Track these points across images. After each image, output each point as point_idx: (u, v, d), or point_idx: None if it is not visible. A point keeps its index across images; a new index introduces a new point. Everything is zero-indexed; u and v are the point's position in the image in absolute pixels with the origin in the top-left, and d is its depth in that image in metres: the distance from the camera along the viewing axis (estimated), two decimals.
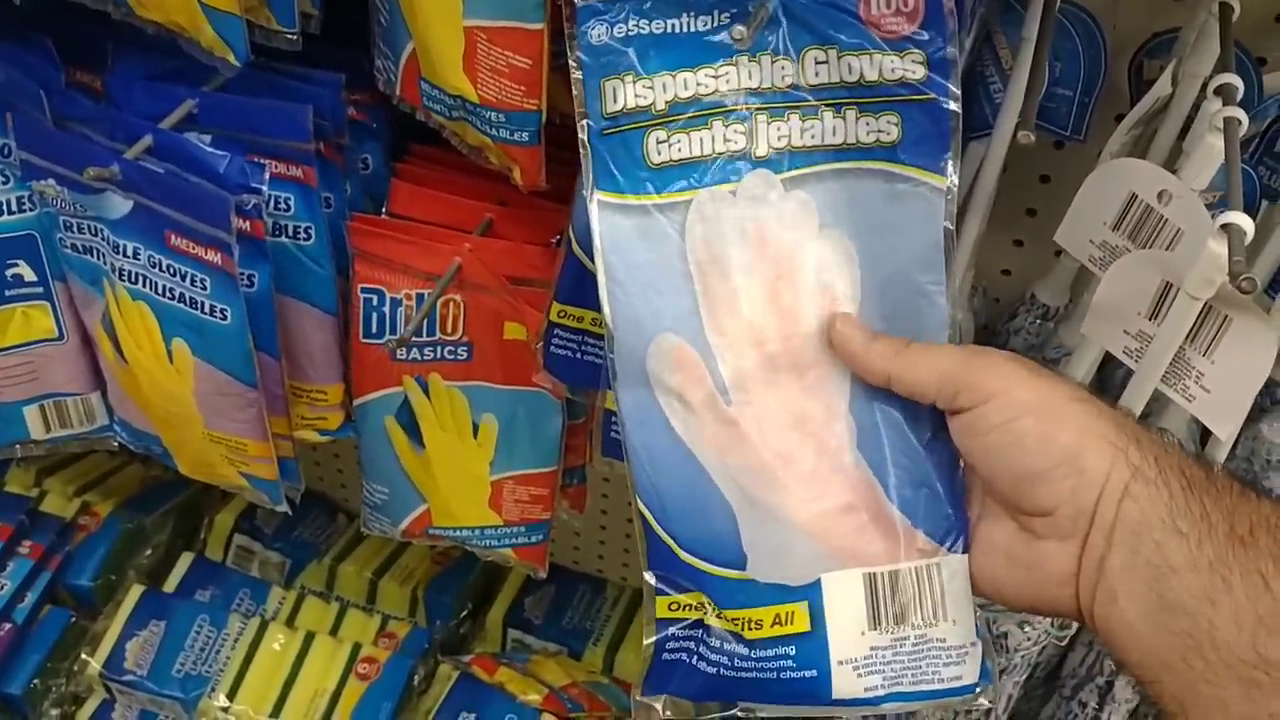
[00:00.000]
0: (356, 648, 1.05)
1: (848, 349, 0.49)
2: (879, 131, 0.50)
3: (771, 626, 0.50)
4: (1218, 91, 0.54)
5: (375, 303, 0.72)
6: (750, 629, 0.50)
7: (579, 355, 0.69)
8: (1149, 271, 0.54)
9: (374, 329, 0.73)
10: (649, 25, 0.50)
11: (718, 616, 0.51)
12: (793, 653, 0.50)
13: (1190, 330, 0.53)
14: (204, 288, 0.66)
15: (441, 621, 1.15)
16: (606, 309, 0.51)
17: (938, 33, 0.48)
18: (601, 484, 1.12)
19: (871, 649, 0.50)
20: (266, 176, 0.64)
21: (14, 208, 0.72)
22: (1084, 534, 0.44)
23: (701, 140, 0.51)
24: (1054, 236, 0.62)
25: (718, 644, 0.51)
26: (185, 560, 1.13)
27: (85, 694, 1.04)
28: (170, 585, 1.11)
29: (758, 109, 0.51)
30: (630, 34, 0.50)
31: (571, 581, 1.20)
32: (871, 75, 0.50)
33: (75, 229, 0.69)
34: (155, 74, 0.70)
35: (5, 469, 1.15)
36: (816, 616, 0.49)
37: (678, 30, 0.50)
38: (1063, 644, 0.70)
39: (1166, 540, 0.42)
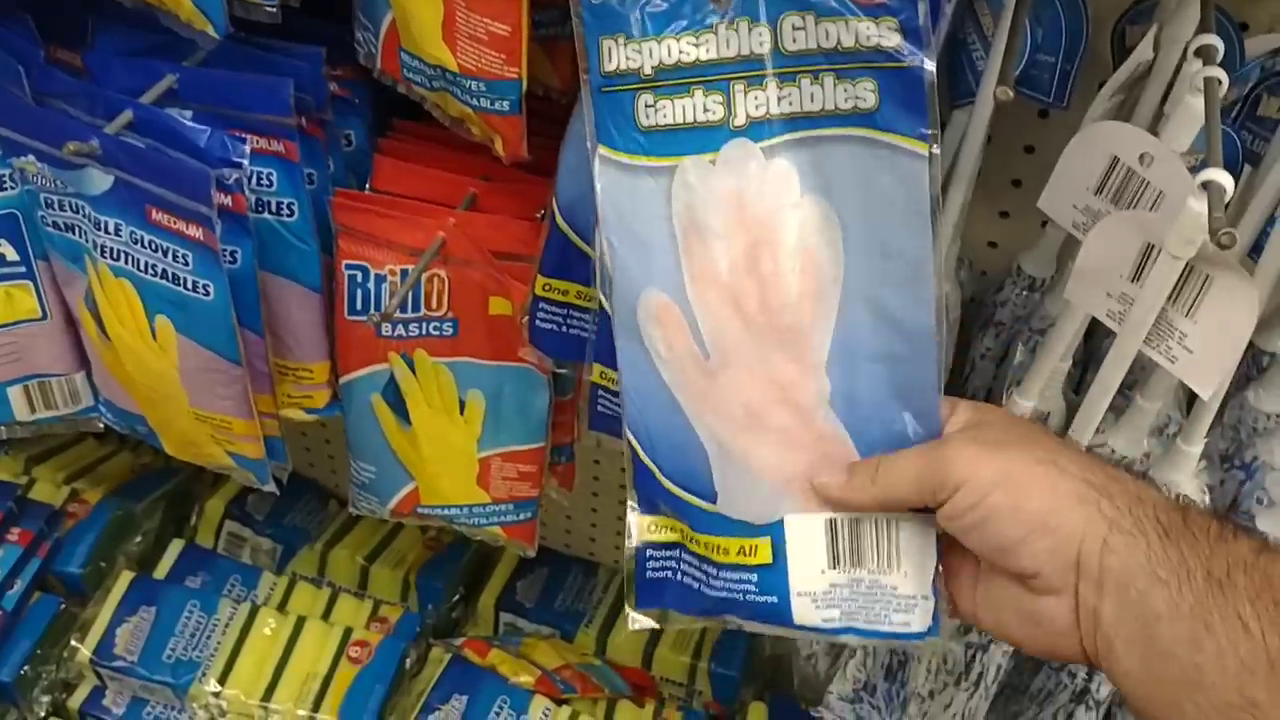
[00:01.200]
0: (348, 632, 1.05)
1: (830, 496, 0.52)
2: (856, 98, 0.50)
3: (736, 555, 0.54)
4: (1198, 53, 0.54)
5: (359, 279, 0.72)
6: (719, 554, 0.55)
7: (564, 329, 0.69)
8: (1131, 233, 0.54)
9: (359, 305, 0.73)
10: None
11: (691, 540, 0.55)
12: (755, 580, 0.54)
13: (1172, 291, 0.53)
14: (186, 263, 0.66)
15: (433, 606, 1.15)
16: (606, 258, 0.53)
17: (909, 7, 0.48)
18: (592, 466, 1.11)
19: (831, 585, 0.54)
20: (247, 150, 0.64)
21: None
22: (1073, 588, 0.46)
23: (684, 108, 0.52)
24: (1037, 203, 0.62)
25: (694, 563, 0.55)
26: (175, 547, 1.13)
27: (76, 681, 1.04)
28: (160, 572, 1.10)
29: (735, 78, 0.51)
30: None
31: (563, 565, 1.20)
32: (848, 41, 0.50)
33: (56, 206, 0.69)
34: (135, 50, 0.70)
35: None
36: (778, 551, 0.54)
37: None
38: None
39: (1149, 588, 0.43)
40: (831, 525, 0.53)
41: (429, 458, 0.79)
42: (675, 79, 0.51)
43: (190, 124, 0.64)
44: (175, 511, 1.19)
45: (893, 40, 0.49)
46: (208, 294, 0.66)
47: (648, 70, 0.51)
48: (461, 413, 0.77)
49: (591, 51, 0.51)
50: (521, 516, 0.82)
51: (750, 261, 0.52)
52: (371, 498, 0.83)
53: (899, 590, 0.53)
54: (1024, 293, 0.76)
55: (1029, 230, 0.78)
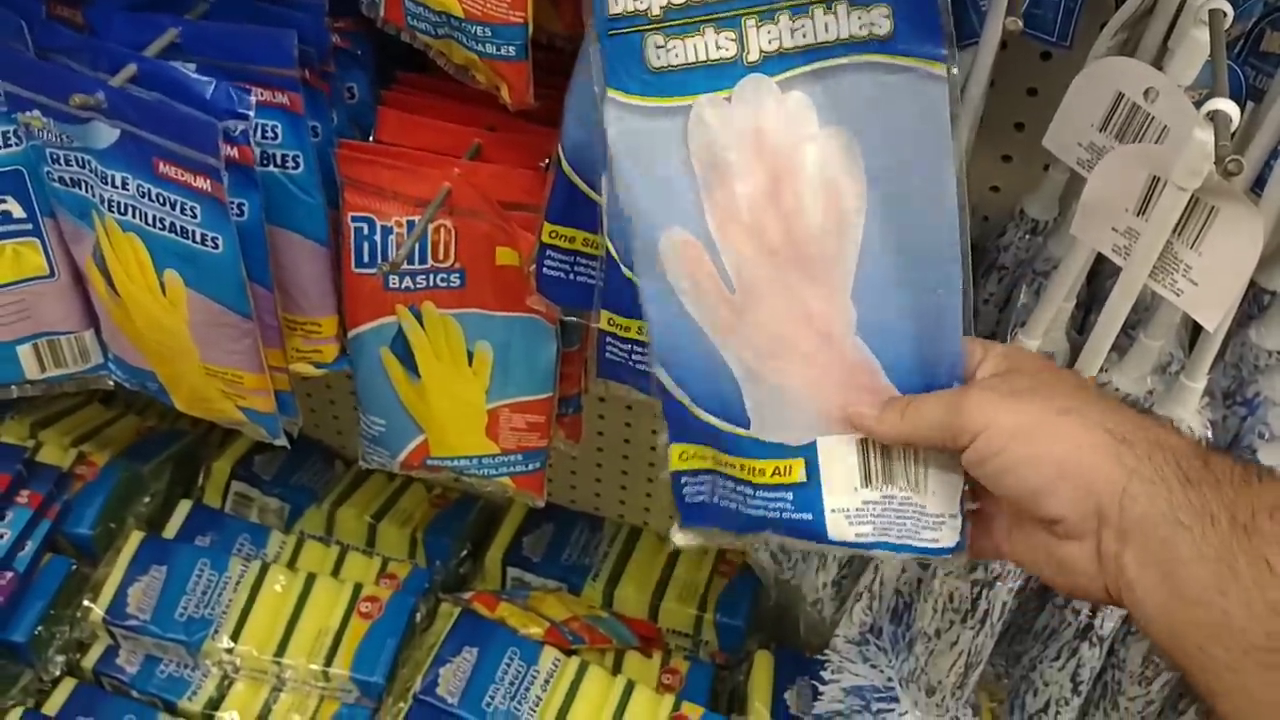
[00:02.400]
0: (358, 588, 1.05)
1: (862, 426, 0.54)
2: (871, 25, 0.51)
3: (772, 476, 0.56)
4: None
5: (366, 231, 0.72)
6: (755, 475, 0.56)
7: (571, 276, 0.69)
8: (1136, 166, 0.54)
9: (365, 258, 0.73)
10: None
11: (726, 464, 0.57)
12: (791, 499, 0.56)
13: (1178, 224, 0.53)
14: (194, 216, 0.66)
15: (441, 562, 1.16)
16: (621, 202, 0.54)
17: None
18: (598, 421, 1.12)
19: (864, 502, 0.55)
20: (253, 102, 0.64)
21: (0, 143, 0.71)
22: (1096, 534, 0.46)
23: (695, 47, 0.52)
24: (1042, 141, 0.62)
25: (731, 486, 0.57)
26: (184, 508, 1.13)
27: (89, 640, 1.05)
28: (170, 532, 1.11)
29: (747, 13, 0.52)
30: None
31: (569, 519, 1.21)
32: None
33: (62, 161, 0.69)
34: (135, 4, 0.70)
35: None
36: (812, 471, 0.55)
37: None
38: None
39: (1171, 535, 0.43)
40: (864, 446, 0.55)
41: (438, 410, 0.79)
42: (685, 18, 0.52)
43: (195, 76, 0.64)
44: (182, 473, 1.20)
45: None
46: (216, 246, 0.67)
47: (656, 10, 0.52)
48: (470, 364, 0.77)
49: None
50: (530, 467, 0.83)
51: (772, 196, 0.52)
52: (382, 451, 0.84)
53: (928, 509, 0.55)
54: (1027, 236, 0.77)
55: (1031, 174, 0.78)
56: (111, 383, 0.82)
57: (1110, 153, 0.55)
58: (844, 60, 0.51)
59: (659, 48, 0.52)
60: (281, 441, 0.80)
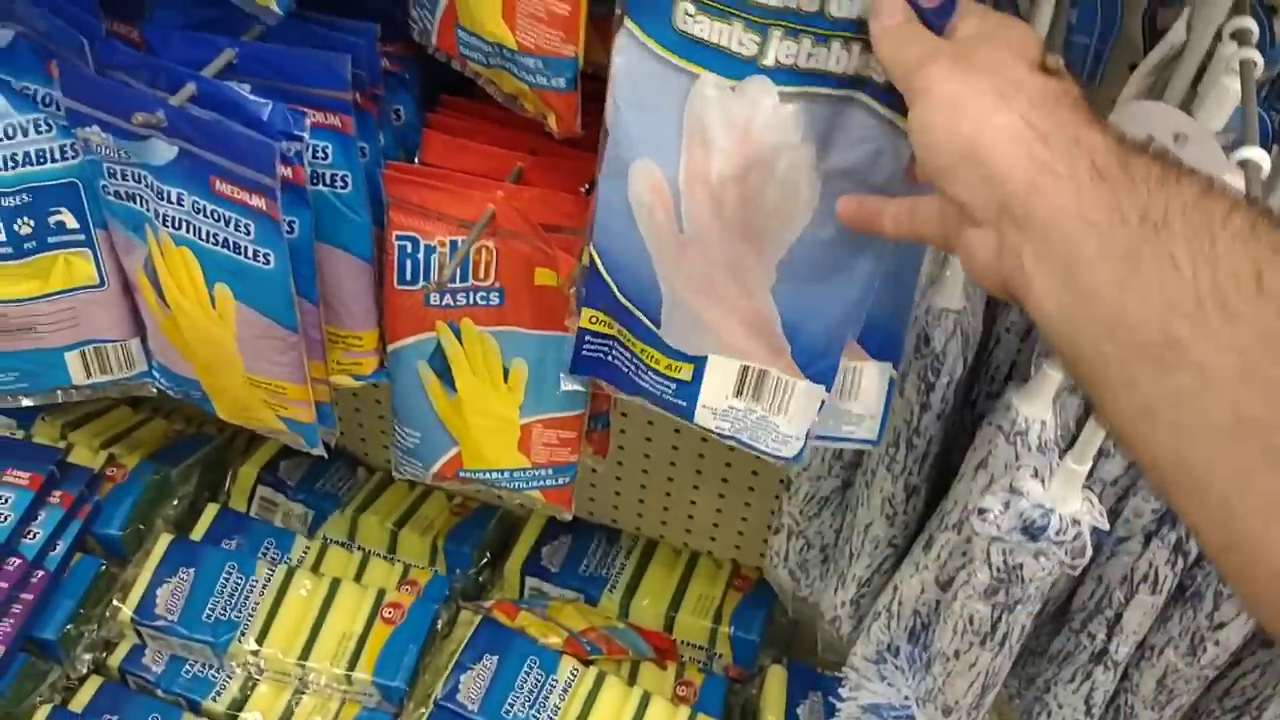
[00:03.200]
0: (381, 593, 1.07)
1: (873, 24, 0.53)
2: (874, 70, 0.56)
3: (664, 368, 0.69)
4: (1234, 35, 0.56)
5: (410, 249, 0.74)
6: (650, 360, 0.69)
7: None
8: None
9: (408, 276, 0.75)
10: None
11: (630, 341, 0.69)
12: (673, 388, 0.70)
13: None
14: (247, 233, 0.68)
15: (461, 570, 1.18)
16: (609, 116, 0.61)
17: (945, 16, 0.51)
18: (619, 435, 1.14)
19: (730, 407, 0.69)
20: (308, 124, 0.66)
21: (57, 155, 0.73)
22: (996, 224, 0.45)
23: (721, 32, 0.57)
24: None
25: (628, 356, 0.70)
26: (211, 511, 1.15)
27: (117, 639, 1.07)
28: (197, 535, 1.13)
29: (775, 24, 0.56)
30: None
31: (587, 531, 1.23)
32: None
33: (119, 176, 0.71)
34: (191, 24, 0.72)
35: (31, 420, 1.18)
36: (697, 375, 0.69)
37: None
38: (1075, 573, 0.73)
39: (1076, 231, 0.42)
40: (744, 370, 0.68)
41: (473, 424, 0.81)
42: (722, 4, 0.55)
43: (253, 98, 0.66)
44: (209, 477, 1.22)
45: None
46: (268, 263, 0.69)
47: None
48: (505, 380, 0.79)
49: None
50: (560, 480, 0.85)
51: (741, 176, 0.60)
52: (415, 462, 0.85)
53: (780, 429, 0.69)
54: None
55: None
56: (155, 390, 0.84)
57: None
58: (841, 93, 0.57)
59: (688, 15, 0.56)
60: (319, 451, 0.82)
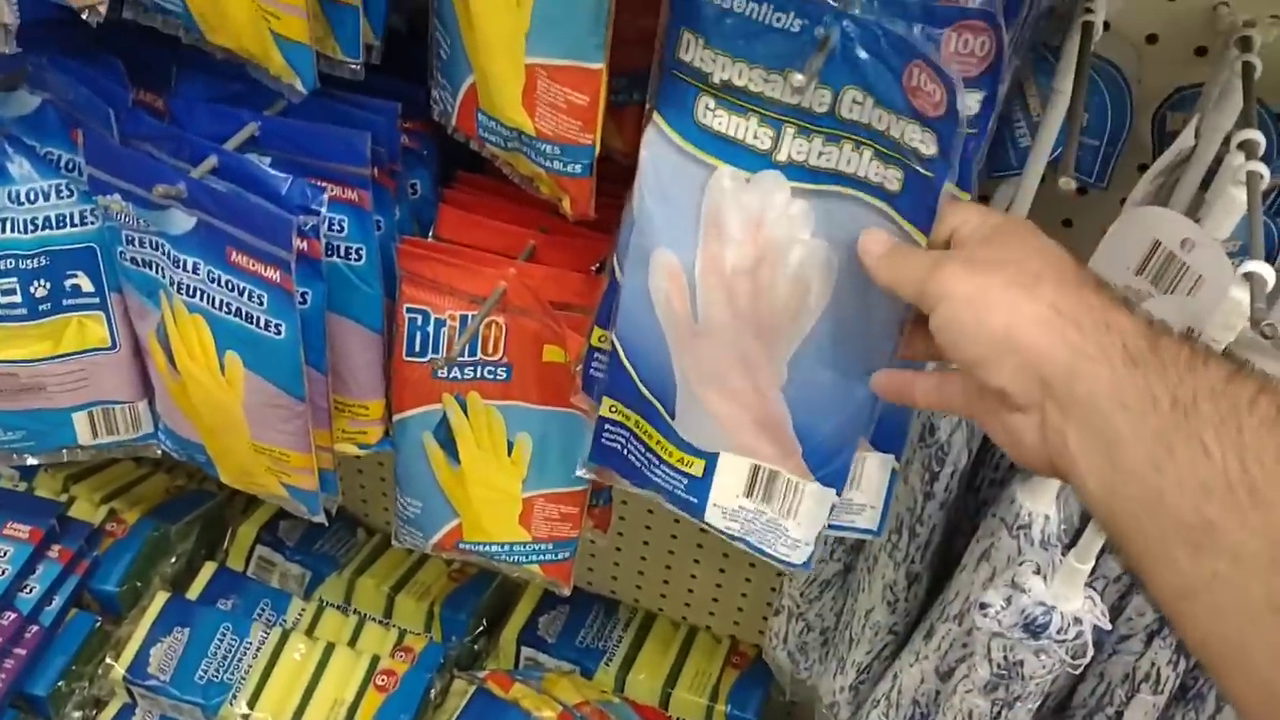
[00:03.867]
0: (375, 660, 1.07)
1: (865, 259, 0.56)
2: (885, 178, 0.56)
3: (676, 461, 0.69)
4: (1241, 146, 0.57)
5: (420, 322, 0.75)
6: (664, 452, 0.69)
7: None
8: (1173, 317, 0.56)
9: (417, 348, 0.76)
10: (734, 1, 0.55)
11: (646, 432, 0.69)
12: (685, 483, 0.69)
13: None
14: (261, 303, 0.68)
15: (456, 637, 1.17)
16: (635, 205, 0.62)
17: (949, 132, 0.53)
18: (620, 506, 1.14)
19: (740, 507, 0.69)
20: (325, 199, 0.67)
21: (76, 220, 0.75)
22: (1041, 408, 0.47)
23: (738, 126, 0.58)
24: None
25: (642, 449, 0.70)
26: (208, 569, 1.15)
27: (107, 698, 1.06)
28: (193, 593, 1.13)
29: (789, 121, 0.57)
30: (716, 1, 0.55)
31: (585, 602, 1.22)
32: (894, 133, 0.55)
33: (137, 243, 0.72)
34: (216, 96, 0.73)
35: (34, 473, 1.18)
36: (709, 472, 0.68)
37: (755, 17, 0.55)
38: (1076, 671, 0.73)
39: (1113, 414, 0.44)
40: (755, 470, 0.67)
41: (475, 496, 0.81)
42: (739, 99, 0.57)
43: (272, 172, 0.67)
44: (209, 534, 1.21)
45: (930, 150, 0.54)
46: (279, 333, 0.69)
47: (716, 80, 0.57)
48: (509, 454, 0.79)
49: (671, 35, 0.58)
50: (560, 555, 0.85)
51: (753, 269, 0.61)
52: (416, 532, 0.85)
53: (790, 532, 0.68)
54: None
55: None
56: (160, 452, 0.84)
57: (1147, 301, 0.58)
58: (852, 192, 0.57)
59: (708, 109, 0.58)
60: (320, 519, 0.82)
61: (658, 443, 0.69)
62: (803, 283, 0.60)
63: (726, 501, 0.69)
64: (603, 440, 0.71)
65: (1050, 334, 0.46)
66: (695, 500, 0.70)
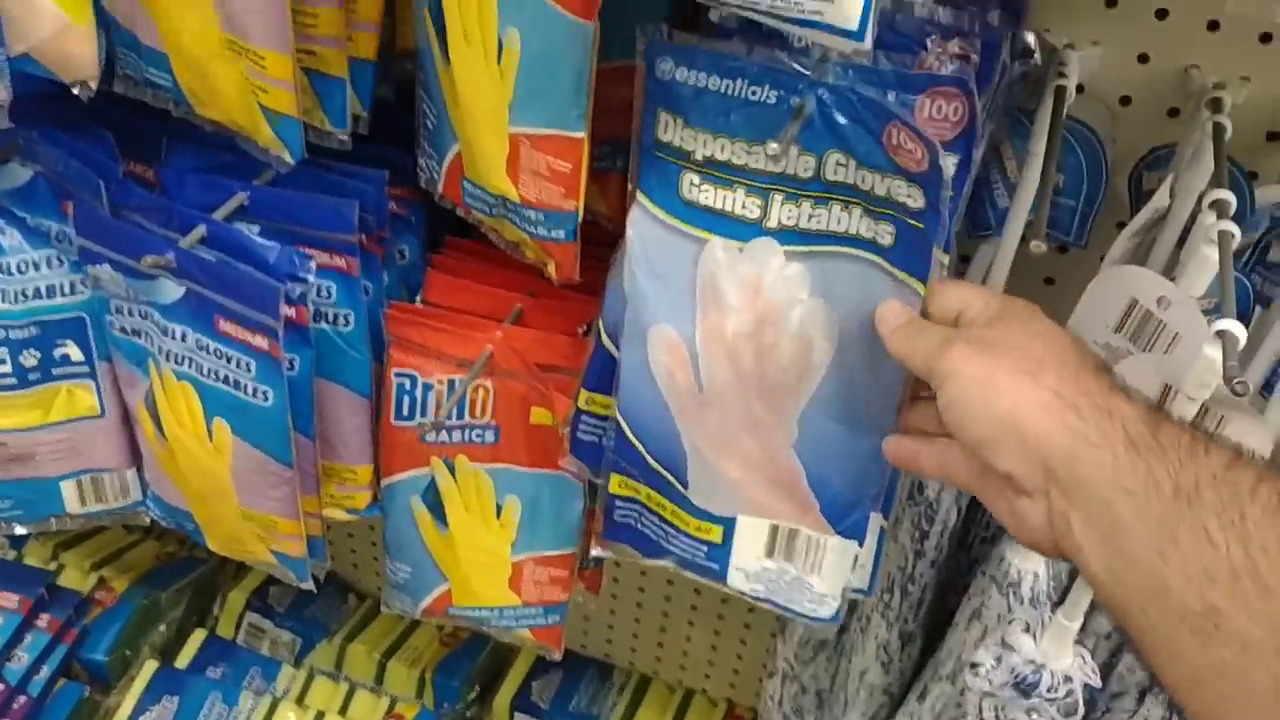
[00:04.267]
0: None
1: (881, 329, 0.57)
2: (877, 233, 0.57)
3: (694, 530, 0.69)
4: (1212, 206, 0.58)
5: (408, 386, 0.75)
6: (680, 522, 0.69)
7: (603, 440, 0.72)
8: (1149, 373, 0.57)
9: (405, 412, 0.76)
10: (707, 80, 0.56)
11: (659, 505, 0.69)
12: (705, 550, 0.69)
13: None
14: (249, 370, 0.69)
15: (449, 704, 1.16)
16: (626, 284, 0.63)
17: (935, 185, 0.54)
18: (612, 568, 1.13)
19: (763, 569, 0.68)
20: (313, 267, 0.68)
21: (66, 290, 0.75)
22: (1045, 493, 0.48)
23: (725, 198, 0.60)
24: None
25: (657, 521, 0.70)
26: (198, 637, 1.14)
27: None
28: (182, 662, 1.12)
29: (776, 189, 0.58)
30: (690, 82, 0.57)
31: (579, 665, 1.21)
32: (880, 191, 0.57)
33: (126, 312, 0.72)
34: (206, 167, 0.74)
35: (24, 541, 1.17)
36: (728, 537, 0.68)
37: (730, 93, 0.56)
38: None
39: (1116, 500, 0.45)
40: (774, 530, 0.67)
41: (464, 560, 0.81)
42: (723, 173, 0.58)
43: (260, 240, 0.68)
44: (199, 601, 1.21)
45: (918, 203, 0.55)
46: (266, 399, 0.70)
47: (699, 157, 0.59)
48: (498, 517, 0.79)
49: (648, 117, 0.59)
50: (550, 620, 0.84)
51: (755, 332, 0.62)
52: (405, 597, 0.85)
53: (815, 588, 0.68)
54: None
55: None
56: (148, 519, 0.84)
57: (1125, 360, 0.58)
58: (845, 250, 0.58)
59: (694, 185, 0.60)
60: (309, 586, 0.81)
61: (673, 513, 0.69)
62: (806, 341, 0.61)
63: (748, 564, 0.68)
64: (615, 517, 0.71)
65: (1051, 418, 0.47)
66: (716, 566, 0.69)
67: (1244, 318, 0.64)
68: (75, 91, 0.67)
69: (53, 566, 1.14)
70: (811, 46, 0.55)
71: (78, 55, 0.65)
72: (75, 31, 0.65)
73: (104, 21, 0.66)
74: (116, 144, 0.74)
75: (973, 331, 0.53)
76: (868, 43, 0.47)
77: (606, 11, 0.56)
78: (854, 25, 0.47)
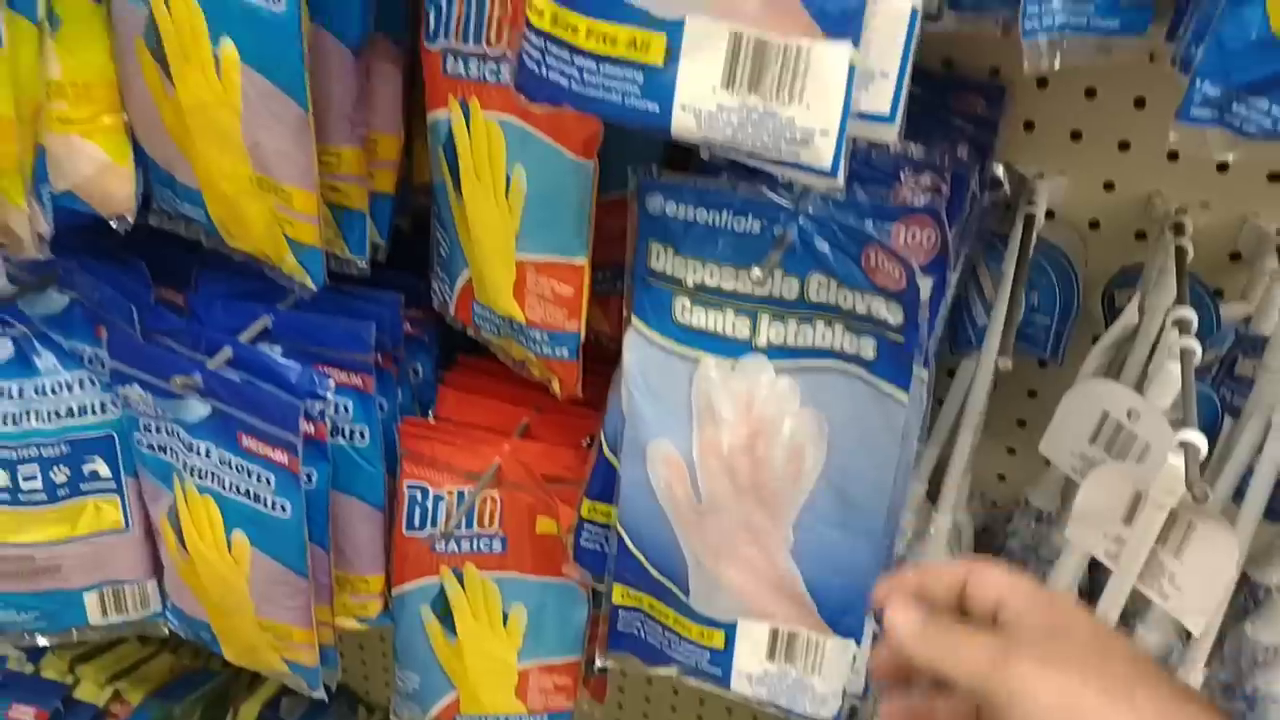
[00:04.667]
0: None
1: (892, 633, 0.49)
2: (860, 348, 0.62)
3: (697, 636, 0.71)
4: (1175, 323, 0.62)
5: (419, 498, 0.79)
6: (684, 630, 0.71)
7: (606, 548, 0.75)
8: (1121, 482, 0.60)
9: (416, 522, 0.79)
10: (694, 212, 0.61)
11: (661, 613, 0.72)
12: (708, 657, 0.71)
13: (1161, 534, 0.59)
14: (269, 484, 0.72)
15: None
16: (624, 404, 0.67)
17: (913, 301, 0.58)
18: (618, 676, 1.14)
19: (765, 673, 0.70)
20: (332, 385, 0.72)
21: (97, 409, 0.79)
22: None
23: (716, 320, 0.64)
24: (1039, 447, 0.68)
25: (659, 630, 0.72)
26: None
27: None
28: None
29: (763, 309, 0.63)
30: (679, 215, 0.62)
31: None
32: (861, 309, 0.61)
33: (154, 430, 0.76)
34: (233, 293, 0.79)
35: (41, 654, 1.19)
36: (730, 641, 0.70)
37: (716, 224, 0.61)
38: None
39: None
40: (774, 633, 0.69)
41: (471, 668, 0.83)
42: (713, 297, 0.63)
43: (282, 361, 0.72)
44: (212, 713, 1.21)
45: (896, 319, 0.59)
46: (285, 512, 0.73)
47: (689, 283, 0.63)
48: (505, 624, 0.81)
49: (641, 247, 0.63)
50: None
51: (749, 445, 0.65)
52: (414, 706, 0.87)
53: (816, 689, 0.70)
54: (1032, 524, 0.82)
55: (1035, 464, 0.84)
56: (167, 630, 0.86)
57: (1096, 469, 0.61)
58: (831, 364, 0.62)
59: (685, 309, 0.64)
60: (320, 695, 0.83)
61: (675, 620, 0.71)
62: (797, 450, 0.65)
63: (751, 668, 0.71)
64: (618, 626, 0.74)
65: None
66: (719, 672, 0.71)
67: (1212, 429, 0.68)
68: (113, 225, 0.72)
69: (69, 679, 1.16)
70: (793, 182, 0.60)
71: (117, 193, 0.71)
72: (116, 171, 0.70)
73: (142, 162, 0.71)
74: (149, 272, 0.79)
75: (1025, 636, 0.47)
76: (840, 179, 0.52)
77: (606, 149, 0.62)
78: (827, 165, 0.51)
